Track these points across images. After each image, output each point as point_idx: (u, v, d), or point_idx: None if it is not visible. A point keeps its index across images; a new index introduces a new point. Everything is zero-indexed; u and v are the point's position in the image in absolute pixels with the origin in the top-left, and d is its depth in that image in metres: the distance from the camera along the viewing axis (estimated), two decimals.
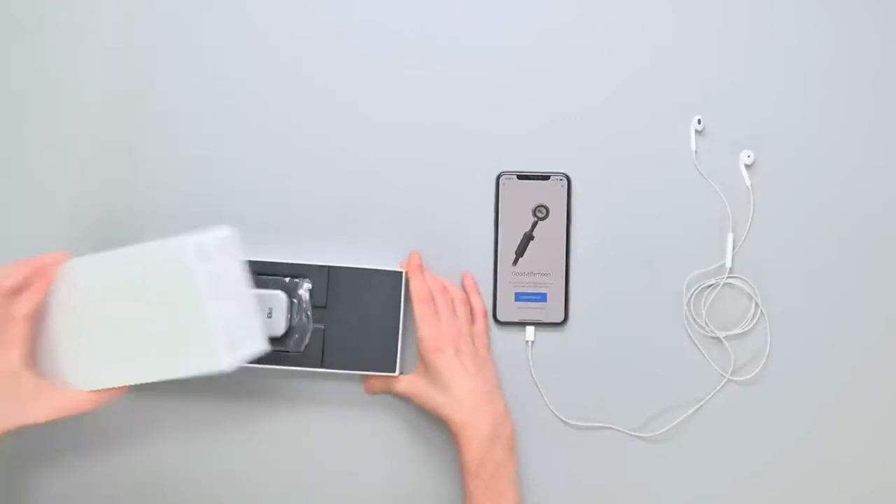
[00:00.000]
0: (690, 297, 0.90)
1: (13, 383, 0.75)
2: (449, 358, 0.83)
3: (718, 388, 0.89)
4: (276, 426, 0.89)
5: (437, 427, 0.87)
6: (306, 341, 0.86)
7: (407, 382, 0.86)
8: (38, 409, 0.76)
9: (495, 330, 0.90)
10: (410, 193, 0.90)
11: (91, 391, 0.76)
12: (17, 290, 0.76)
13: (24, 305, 0.75)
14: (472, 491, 0.81)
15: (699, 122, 0.90)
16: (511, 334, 0.90)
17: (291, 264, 0.87)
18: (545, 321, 0.90)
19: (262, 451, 0.89)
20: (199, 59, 0.91)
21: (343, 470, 0.89)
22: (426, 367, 0.84)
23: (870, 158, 0.90)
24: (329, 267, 0.87)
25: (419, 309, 0.85)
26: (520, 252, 0.90)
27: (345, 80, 0.91)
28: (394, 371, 0.87)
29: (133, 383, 0.76)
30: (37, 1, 0.91)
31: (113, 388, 0.77)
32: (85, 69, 0.91)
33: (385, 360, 0.86)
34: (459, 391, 0.83)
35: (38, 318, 0.77)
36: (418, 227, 0.90)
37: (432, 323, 0.85)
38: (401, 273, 0.87)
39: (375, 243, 0.90)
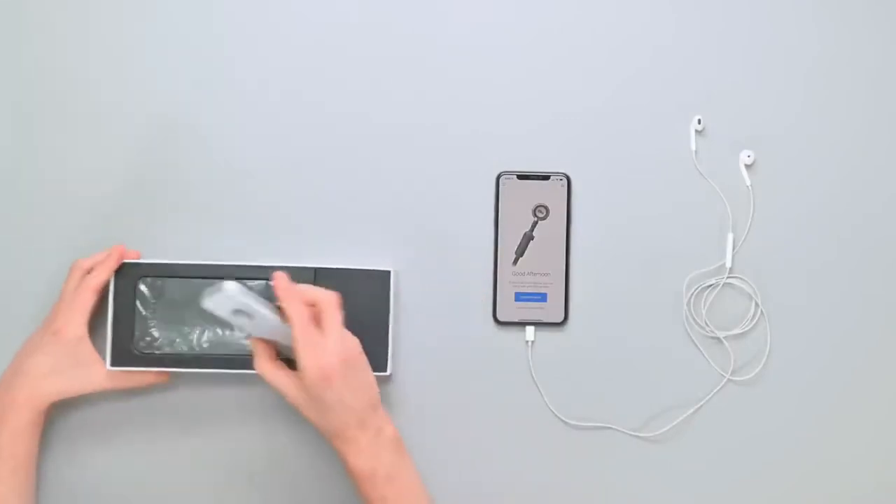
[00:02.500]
0: (690, 297, 0.90)
1: (78, 348, 0.84)
2: (336, 387, 0.76)
3: (718, 388, 0.89)
4: (267, 437, 0.90)
5: (432, 446, 0.87)
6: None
7: (293, 394, 0.77)
8: (97, 376, 0.85)
9: (495, 330, 0.90)
10: (410, 193, 0.90)
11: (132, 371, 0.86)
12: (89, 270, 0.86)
13: (95, 279, 0.85)
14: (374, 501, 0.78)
15: (699, 122, 0.90)
16: (511, 334, 0.90)
17: (277, 267, 0.83)
18: (545, 321, 0.90)
19: (254, 457, 0.90)
20: (198, 57, 0.91)
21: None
22: (309, 392, 0.77)
23: (870, 158, 0.90)
24: (315, 268, 0.86)
25: (302, 335, 0.76)
26: (520, 252, 0.90)
27: (345, 80, 0.91)
28: (385, 370, 0.86)
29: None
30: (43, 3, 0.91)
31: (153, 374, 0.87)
32: (77, 67, 0.91)
33: (376, 360, 0.85)
34: (343, 414, 0.77)
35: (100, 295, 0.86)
36: (418, 227, 0.90)
37: (317, 349, 0.76)
38: (388, 272, 0.87)
39: (375, 243, 0.90)
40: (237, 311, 0.75)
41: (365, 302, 0.87)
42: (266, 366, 0.78)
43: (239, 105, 0.90)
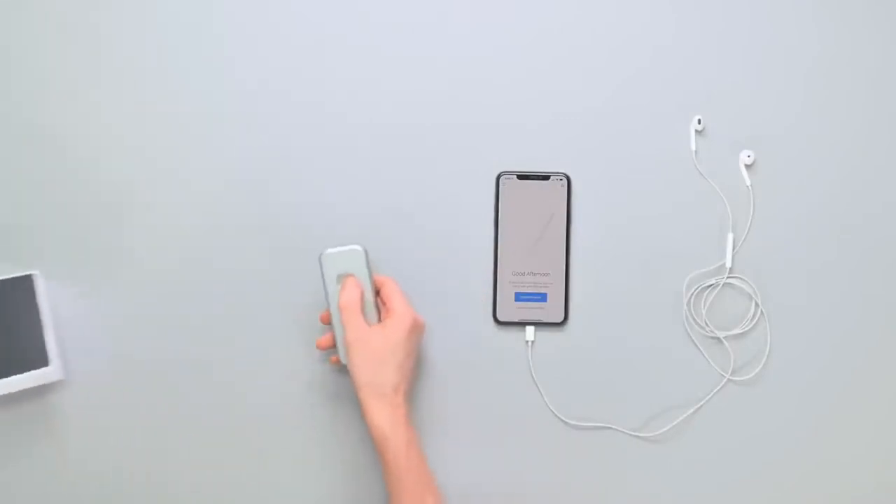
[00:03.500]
0: (690, 297, 0.90)
1: None
2: (416, 338, 0.85)
3: (718, 388, 0.89)
4: None
5: (432, 445, 0.87)
6: None
7: (374, 339, 0.83)
8: None
9: (495, 330, 0.90)
10: (411, 193, 0.90)
11: None
12: None
13: None
14: (407, 466, 0.81)
15: (699, 122, 0.90)
16: (511, 334, 0.90)
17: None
18: (545, 321, 0.90)
19: None
20: (198, 57, 0.91)
21: None
22: (389, 339, 0.83)
23: (870, 158, 0.90)
24: None
25: (400, 293, 0.85)
26: (520, 252, 0.90)
27: (345, 81, 0.91)
28: (48, 364, 0.85)
29: None
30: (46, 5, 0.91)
31: None
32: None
33: (37, 357, 0.85)
34: (400, 371, 0.83)
35: None
36: (418, 227, 0.90)
37: (410, 305, 0.85)
38: (29, 276, 0.86)
39: (375, 244, 0.90)
40: (342, 276, 0.84)
41: (14, 309, 0.85)
42: (361, 318, 0.83)
43: (238, 105, 0.90)
